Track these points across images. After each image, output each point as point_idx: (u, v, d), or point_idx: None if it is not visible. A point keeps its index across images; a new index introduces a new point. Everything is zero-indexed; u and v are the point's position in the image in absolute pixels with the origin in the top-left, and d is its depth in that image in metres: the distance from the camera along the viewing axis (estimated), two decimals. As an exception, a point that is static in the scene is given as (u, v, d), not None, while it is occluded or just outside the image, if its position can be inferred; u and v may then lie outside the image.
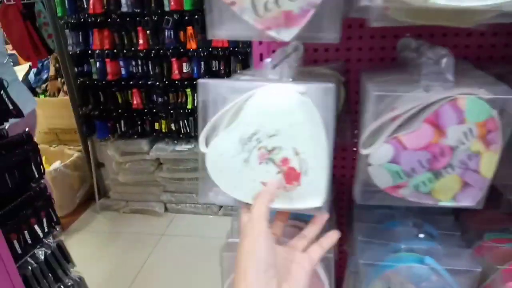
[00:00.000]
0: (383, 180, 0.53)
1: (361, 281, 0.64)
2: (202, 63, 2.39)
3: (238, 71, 2.31)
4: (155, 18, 2.35)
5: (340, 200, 0.92)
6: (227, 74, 2.40)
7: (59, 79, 3.07)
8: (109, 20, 2.41)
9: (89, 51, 2.50)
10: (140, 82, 2.52)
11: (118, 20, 2.39)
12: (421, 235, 0.62)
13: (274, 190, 0.51)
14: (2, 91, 1.23)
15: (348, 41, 0.75)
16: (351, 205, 0.81)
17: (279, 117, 0.50)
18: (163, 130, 2.63)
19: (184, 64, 2.43)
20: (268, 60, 0.52)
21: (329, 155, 0.52)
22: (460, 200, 0.54)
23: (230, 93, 0.51)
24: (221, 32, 0.53)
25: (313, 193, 0.53)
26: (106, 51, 2.46)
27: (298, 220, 0.71)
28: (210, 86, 0.52)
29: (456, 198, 0.54)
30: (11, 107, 1.27)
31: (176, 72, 2.42)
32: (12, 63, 1.89)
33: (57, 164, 2.74)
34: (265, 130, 0.50)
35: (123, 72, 2.52)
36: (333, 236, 0.54)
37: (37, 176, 1.39)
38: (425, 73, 0.51)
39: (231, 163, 0.53)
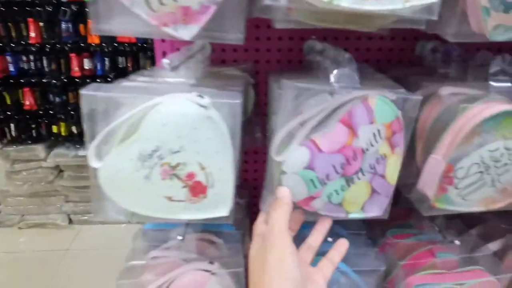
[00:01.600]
0: (297, 191, 0.51)
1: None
2: (106, 59, 2.20)
3: (143, 70, 2.18)
4: (50, 9, 2.10)
5: (254, 205, 0.90)
6: (136, 71, 2.24)
7: None
8: (-10, 8, 2.08)
9: (-34, 44, 2.14)
10: (33, 80, 2.22)
11: (2, 8, 2.08)
12: (329, 239, 0.62)
13: (289, 200, 0.48)
14: None
15: (256, 42, 0.72)
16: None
17: (183, 133, 0.45)
18: (63, 134, 2.36)
19: (86, 60, 2.21)
20: (166, 61, 0.46)
21: (235, 167, 0.50)
22: (368, 210, 0.55)
23: (123, 99, 0.44)
24: (109, 27, 0.46)
25: (219, 204, 0.52)
26: (-12, 45, 2.13)
27: (207, 232, 0.67)
28: (96, 98, 0.45)
29: (365, 208, 0.55)
30: None
31: (76, 68, 2.19)
32: None
33: None
34: (167, 146, 0.46)
35: (11, 68, 2.19)
36: (342, 246, 0.51)
37: None
38: (331, 76, 0.50)
39: (129, 180, 0.48)
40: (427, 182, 0.55)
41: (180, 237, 0.59)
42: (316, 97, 0.50)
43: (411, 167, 0.59)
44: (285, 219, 0.46)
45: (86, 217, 2.56)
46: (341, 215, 0.54)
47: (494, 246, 0.66)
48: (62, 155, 2.39)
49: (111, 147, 0.47)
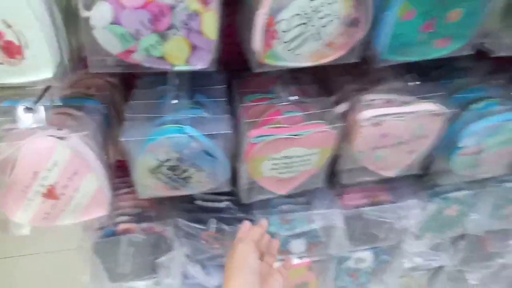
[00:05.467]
0: (111, 45, 0.51)
1: (131, 159, 0.65)
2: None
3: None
4: None
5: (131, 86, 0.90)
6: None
7: None
8: None
9: None
10: None
11: None
12: (175, 101, 0.64)
13: (264, 228, 0.65)
14: None
15: None
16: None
17: None
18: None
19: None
20: None
21: (48, 27, 0.49)
22: (193, 63, 0.56)
23: None
24: None
25: (41, 65, 0.52)
26: None
27: (68, 106, 0.68)
28: None
29: (189, 61, 0.56)
30: None
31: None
32: None
33: None
34: None
35: None
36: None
37: None
38: None
39: None
40: (256, 38, 0.56)
41: (26, 105, 0.59)
42: None
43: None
44: (255, 235, 0.62)
45: None
46: (166, 67, 0.55)
47: (341, 108, 0.71)
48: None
49: None
